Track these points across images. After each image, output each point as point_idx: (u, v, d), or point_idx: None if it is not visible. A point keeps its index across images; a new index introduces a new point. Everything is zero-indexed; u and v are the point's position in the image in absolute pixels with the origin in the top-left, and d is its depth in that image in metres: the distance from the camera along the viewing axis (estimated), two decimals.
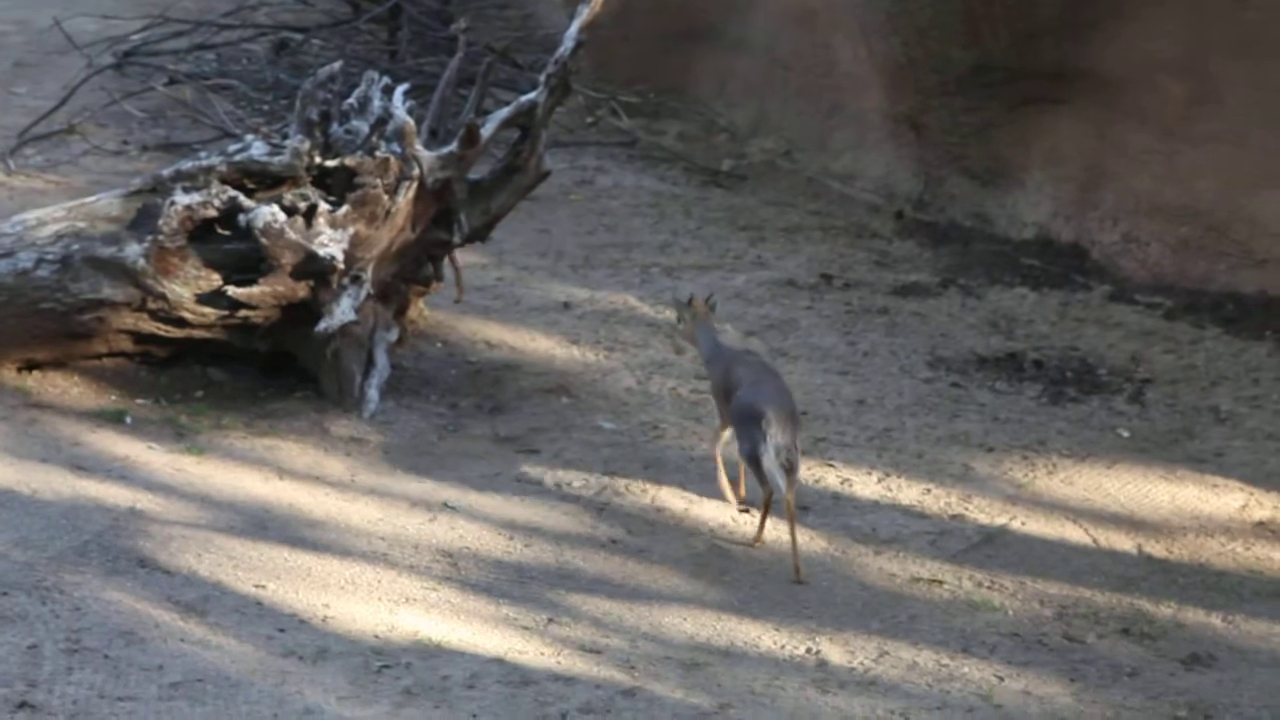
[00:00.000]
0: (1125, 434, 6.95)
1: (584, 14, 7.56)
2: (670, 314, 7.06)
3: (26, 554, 5.36)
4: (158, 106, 10.33)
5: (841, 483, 6.44)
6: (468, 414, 6.92)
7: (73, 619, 4.98)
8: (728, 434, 6.11)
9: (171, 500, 5.94)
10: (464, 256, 7.81)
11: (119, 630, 4.96)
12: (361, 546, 5.77)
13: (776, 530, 5.94)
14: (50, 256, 6.75)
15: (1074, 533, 6.17)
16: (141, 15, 11.32)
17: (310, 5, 11.62)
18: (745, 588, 5.67)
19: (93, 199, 7.10)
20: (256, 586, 5.38)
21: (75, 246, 6.78)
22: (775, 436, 5.71)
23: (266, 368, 7.07)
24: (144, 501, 5.88)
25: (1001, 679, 5.18)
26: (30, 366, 6.78)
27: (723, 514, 6.15)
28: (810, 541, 5.96)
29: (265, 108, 10.37)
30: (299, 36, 11.09)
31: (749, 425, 5.78)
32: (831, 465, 6.54)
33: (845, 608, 5.57)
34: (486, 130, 7.31)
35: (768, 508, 5.90)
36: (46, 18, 11.43)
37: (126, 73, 10.69)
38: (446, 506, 6.12)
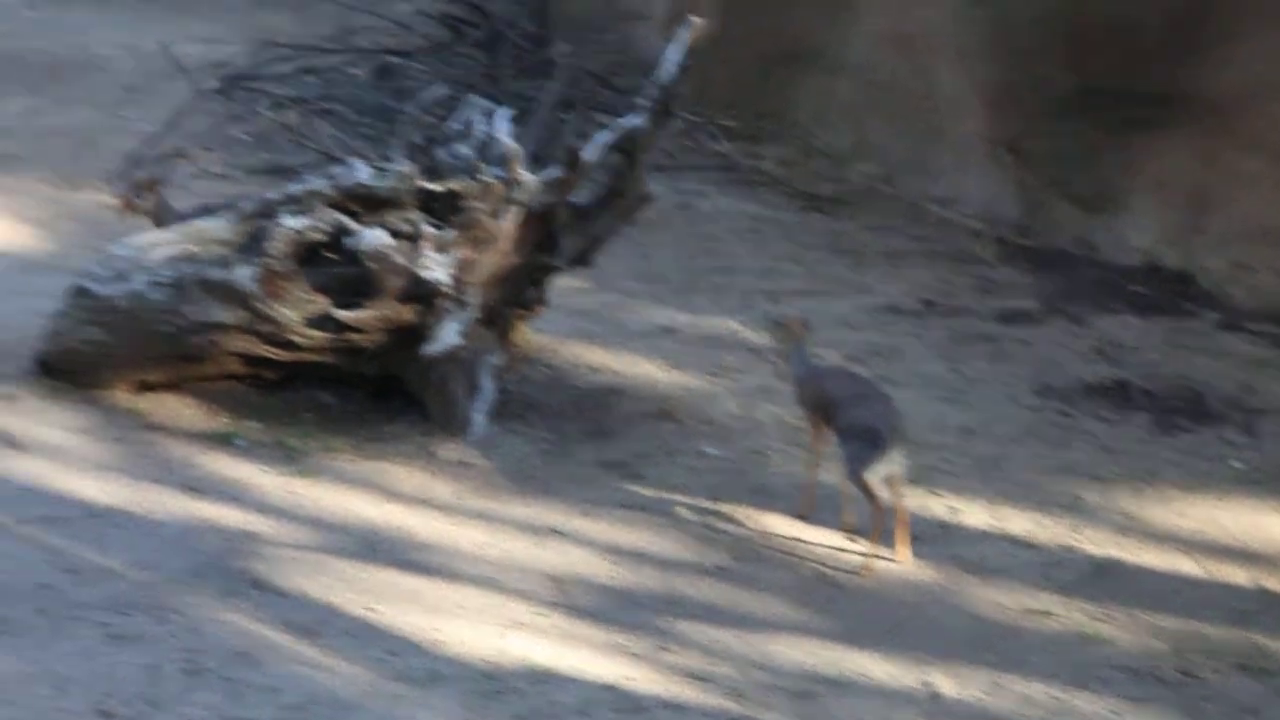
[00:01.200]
0: (1238, 465, 6.87)
1: (686, 38, 7.57)
2: (766, 335, 7.05)
3: (144, 574, 5.42)
4: (262, 130, 10.43)
5: (949, 512, 6.41)
6: (572, 438, 6.94)
7: (190, 639, 5.04)
8: (825, 453, 6.09)
9: (283, 522, 5.99)
10: (566, 281, 7.83)
11: (235, 651, 5.01)
12: (470, 570, 5.79)
13: (884, 560, 5.92)
14: (163, 279, 6.83)
15: (1187, 565, 6.10)
16: (247, 40, 11.45)
17: (410, 29, 11.71)
18: (854, 617, 5.64)
19: (204, 223, 7.16)
20: (367, 609, 5.41)
21: (187, 270, 6.85)
22: (886, 456, 5.69)
23: (374, 391, 7.12)
24: (256, 523, 5.94)
25: (1118, 714, 5.13)
26: (144, 388, 6.86)
27: (830, 541, 6.13)
28: (918, 571, 5.93)
29: (367, 131, 10.46)
30: (399, 60, 11.18)
31: (859, 443, 5.76)
32: (938, 494, 6.51)
33: (955, 638, 5.54)
34: (589, 154, 7.33)
35: (877, 533, 5.88)
36: (154, 43, 11.58)
37: (232, 97, 10.81)
38: (553, 531, 6.14)
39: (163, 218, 7.32)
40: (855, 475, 5.85)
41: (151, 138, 10.07)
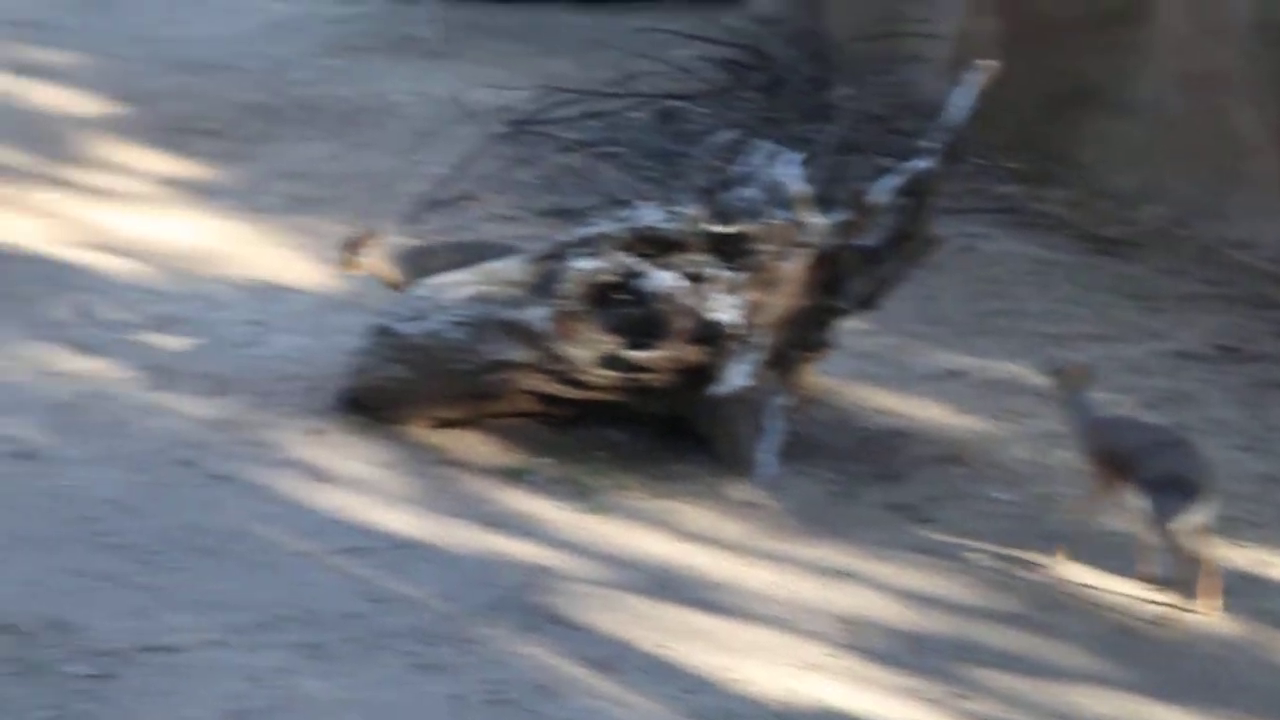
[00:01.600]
0: None
1: (975, 81, 7.52)
2: (1046, 383, 6.94)
3: (446, 605, 5.57)
4: (549, 173, 10.65)
5: (1254, 564, 6.22)
6: (860, 480, 6.93)
7: (492, 671, 5.16)
8: (1106, 503, 5.97)
9: (576, 558, 6.10)
10: (850, 323, 7.81)
11: (536, 684, 5.11)
12: (761, 610, 5.82)
13: (1187, 612, 5.77)
14: (460, 319, 7.03)
15: None
16: (533, 85, 11.71)
17: (691, 74, 11.85)
18: (1157, 669, 5.52)
19: (499, 264, 7.36)
20: (661, 646, 5.47)
21: (483, 310, 7.04)
22: (1196, 506, 5.56)
23: (663, 430, 7.21)
24: (551, 558, 6.05)
25: None
26: (443, 424, 7.06)
27: (1128, 590, 6.00)
28: (1223, 624, 5.77)
29: (651, 174, 10.60)
30: (681, 105, 11.32)
31: (1167, 493, 5.63)
32: (1242, 545, 6.32)
33: (1265, 696, 5.37)
34: (877, 197, 7.33)
35: (1184, 585, 5.73)
36: (444, 89, 11.94)
37: (519, 141, 11.07)
38: (842, 573, 6.13)
39: (395, 270, 7.52)
40: (1162, 526, 5.71)
41: (442, 181, 10.37)
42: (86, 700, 4.46)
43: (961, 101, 7.44)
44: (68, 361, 7.23)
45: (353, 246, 7.69)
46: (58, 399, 6.72)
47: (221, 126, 11.41)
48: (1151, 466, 5.80)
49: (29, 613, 4.86)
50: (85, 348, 7.47)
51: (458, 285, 7.18)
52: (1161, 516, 5.71)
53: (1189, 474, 5.69)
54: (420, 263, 7.68)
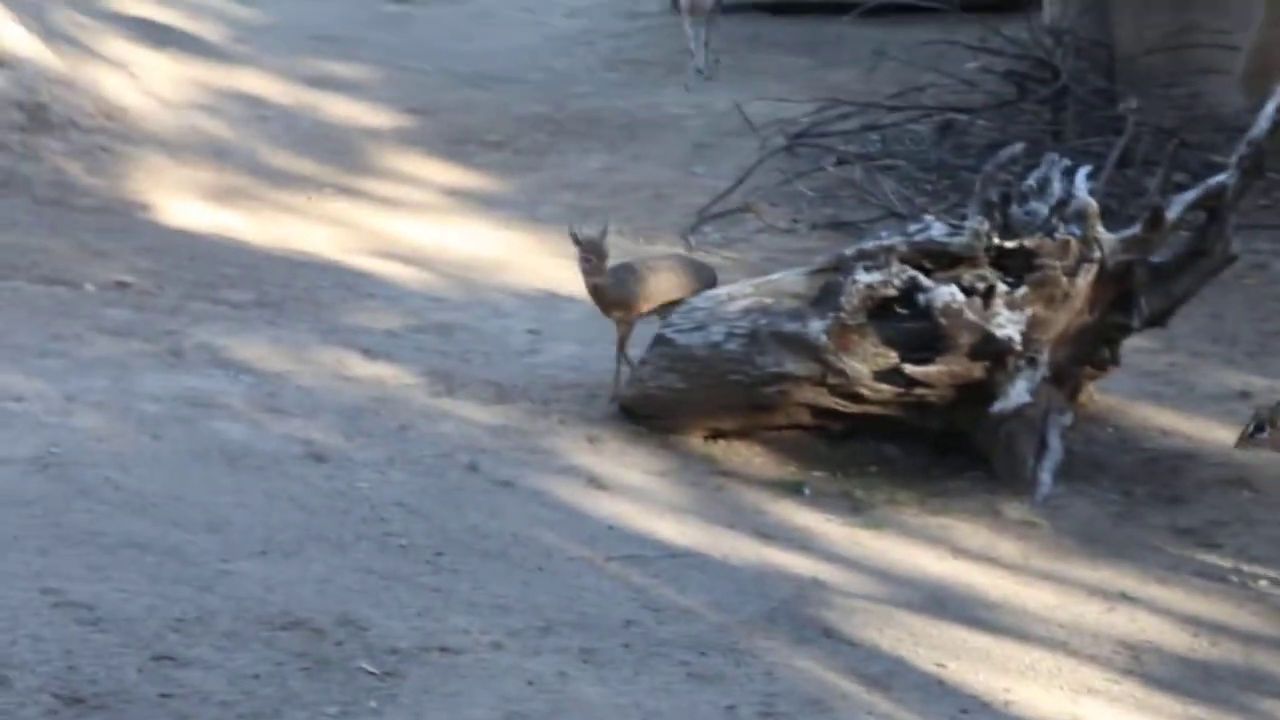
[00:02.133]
0: None
1: None
2: None
3: (720, 616, 5.58)
4: (826, 186, 10.64)
5: None
6: (1142, 502, 6.75)
7: (765, 683, 5.14)
8: None
9: (850, 572, 6.06)
10: (1133, 340, 7.60)
11: (809, 698, 5.09)
12: (1039, 632, 5.70)
13: None
14: (739, 330, 7.05)
15: None
16: (812, 98, 11.70)
17: (974, 86, 11.71)
18: None
19: (777, 276, 7.38)
20: (937, 665, 5.40)
21: (762, 321, 7.05)
22: None
23: (938, 445, 7.13)
24: (825, 572, 6.03)
25: None
26: (717, 434, 7.10)
27: None
28: None
29: (929, 187, 10.51)
30: (963, 117, 11.19)
31: None
32: None
33: None
34: (1172, 213, 7.14)
35: None
36: (724, 102, 12.00)
37: (797, 153, 11.07)
38: (1124, 596, 5.98)
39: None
40: None
41: (720, 193, 10.42)
42: (373, 698, 4.57)
43: (1268, 115, 7.19)
44: (358, 366, 7.45)
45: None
46: (348, 403, 6.93)
47: (505, 138, 11.68)
48: None
49: (321, 610, 5.01)
50: (374, 353, 7.69)
51: (737, 297, 7.20)
52: None
53: None
54: None
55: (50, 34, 11.05)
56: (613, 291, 7.30)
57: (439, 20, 13.68)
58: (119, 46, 11.86)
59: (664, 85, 12.94)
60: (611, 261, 7.34)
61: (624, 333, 7.37)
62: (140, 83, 11.24)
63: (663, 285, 7.41)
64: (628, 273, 7.41)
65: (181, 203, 9.79)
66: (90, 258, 8.29)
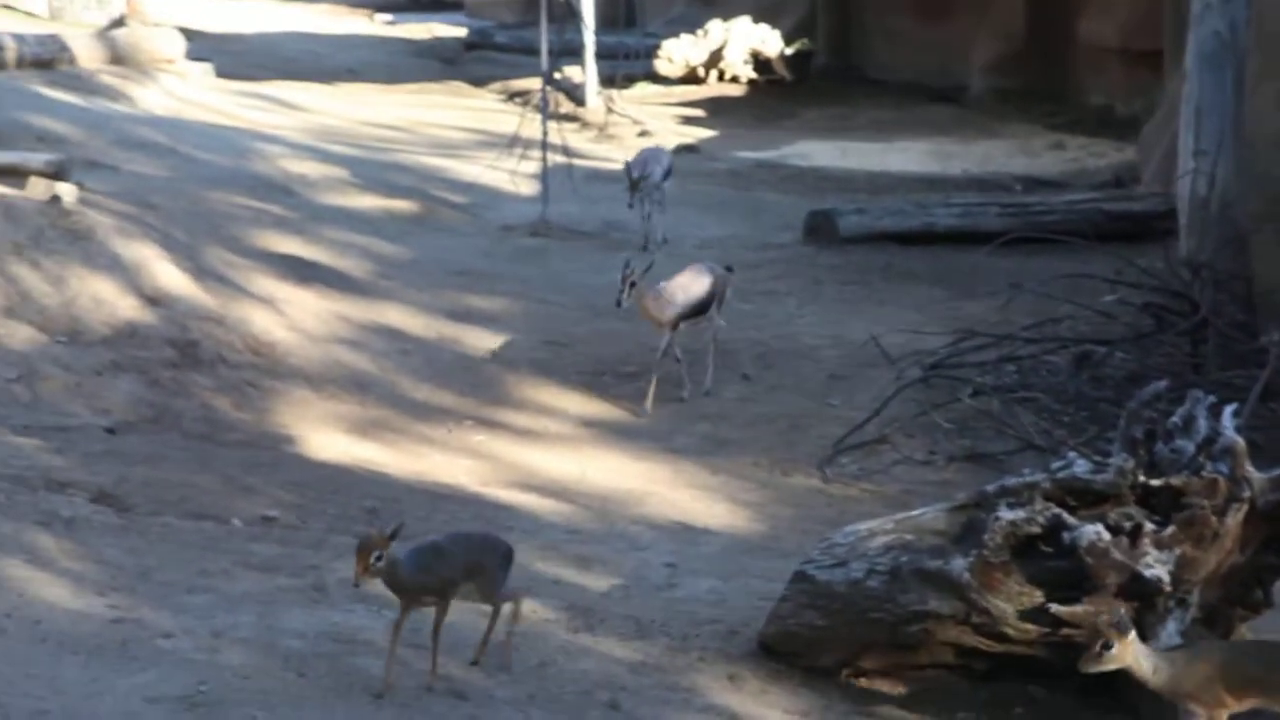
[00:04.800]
0: None
1: None
2: None
3: None
4: (963, 417, 10.60)
5: None
6: None
7: None
8: None
9: None
10: None
11: None
12: None
13: None
14: (880, 567, 6.99)
15: None
16: (948, 329, 11.74)
17: (1111, 318, 11.69)
18: None
19: (918, 512, 7.33)
20: None
21: (903, 558, 6.99)
22: None
23: (1084, 687, 6.96)
24: None
25: None
26: (858, 673, 7.00)
27: None
28: None
29: (1067, 419, 10.43)
30: (1100, 349, 11.15)
31: None
32: None
33: None
34: None
35: None
36: (859, 333, 12.06)
37: (933, 384, 11.07)
38: None
39: None
40: None
41: (856, 424, 10.42)
42: None
43: None
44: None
45: None
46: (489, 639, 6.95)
47: (640, 369, 11.80)
48: None
49: None
50: (515, 589, 7.71)
51: (878, 534, 7.16)
52: None
53: None
54: None
55: (201, 272, 11.42)
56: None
57: (575, 253, 13.94)
58: (267, 284, 12.21)
59: (798, 315, 13.04)
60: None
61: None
62: (286, 318, 11.55)
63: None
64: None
65: (325, 435, 9.98)
66: (237, 492, 8.44)
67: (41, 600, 6.73)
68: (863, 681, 7.00)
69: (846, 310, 13.07)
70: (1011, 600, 6.82)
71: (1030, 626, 6.82)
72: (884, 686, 6.99)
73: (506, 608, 6.71)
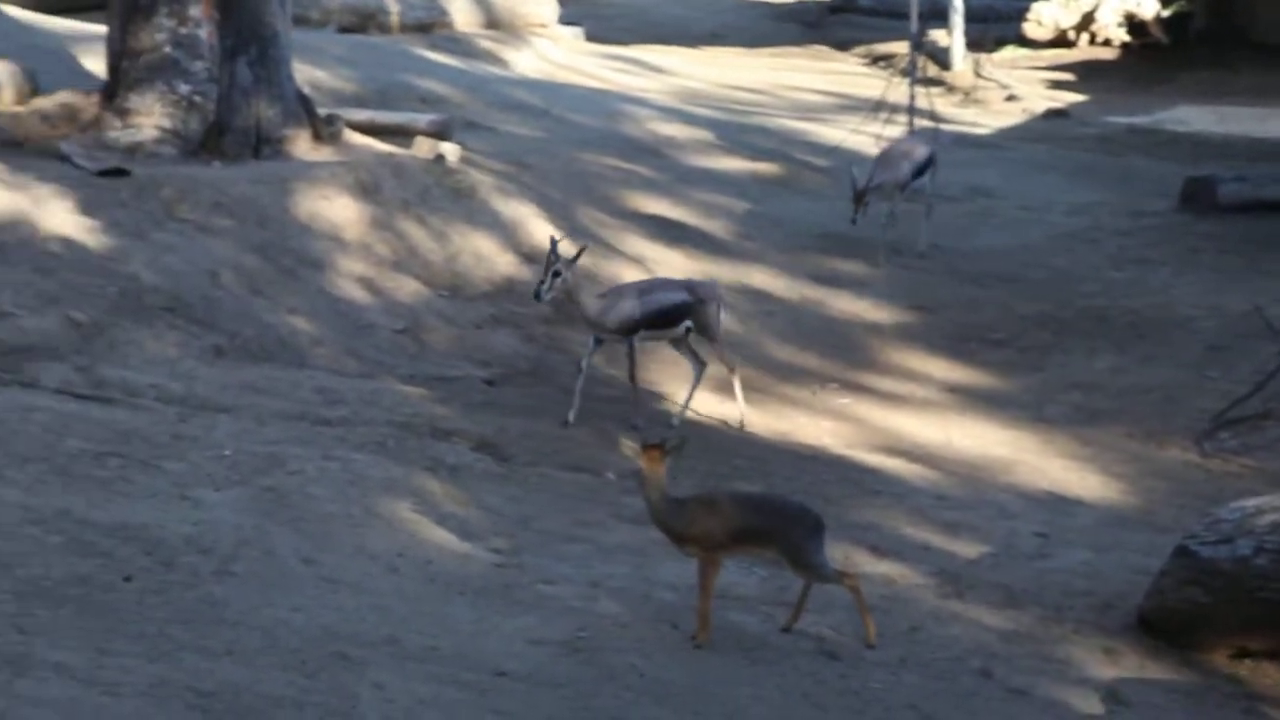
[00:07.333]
0: None
1: None
2: None
3: None
4: None
5: None
6: None
7: None
8: None
9: None
10: None
11: None
12: None
13: None
14: (1270, 545, 6.74)
15: None
16: None
17: None
18: None
19: None
20: None
21: None
22: None
23: None
24: None
25: None
26: (1243, 654, 6.77)
27: None
28: None
29: None
30: None
31: None
32: None
33: None
34: None
35: None
36: (1240, 303, 11.59)
37: None
38: None
39: None
40: None
41: (1237, 398, 10.04)
42: None
43: None
44: (866, 563, 7.46)
45: None
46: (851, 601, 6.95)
47: (1008, 336, 11.60)
48: None
49: None
50: (881, 550, 7.70)
51: (1267, 511, 6.90)
52: None
53: None
54: None
55: (575, 231, 11.67)
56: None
57: (941, 218, 13.75)
58: (637, 243, 12.42)
59: (1173, 285, 12.61)
60: None
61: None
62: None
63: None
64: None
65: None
66: (611, 446, 8.61)
67: (431, 541, 7.00)
68: (1247, 664, 6.76)
69: (1225, 280, 12.57)
70: None
71: None
72: (1272, 669, 6.74)
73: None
